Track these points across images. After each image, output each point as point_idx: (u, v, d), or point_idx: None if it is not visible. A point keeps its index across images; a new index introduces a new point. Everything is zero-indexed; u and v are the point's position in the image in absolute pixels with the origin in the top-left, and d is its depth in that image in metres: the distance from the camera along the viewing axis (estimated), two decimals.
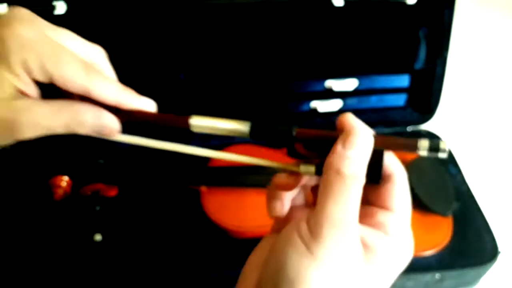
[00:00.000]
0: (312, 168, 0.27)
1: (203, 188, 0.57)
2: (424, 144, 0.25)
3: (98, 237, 0.54)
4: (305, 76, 0.65)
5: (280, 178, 0.29)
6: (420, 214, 0.55)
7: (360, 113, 0.67)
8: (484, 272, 0.53)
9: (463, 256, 0.53)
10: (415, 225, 0.56)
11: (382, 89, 0.67)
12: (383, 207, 0.27)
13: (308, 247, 0.24)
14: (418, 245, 0.53)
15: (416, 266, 0.51)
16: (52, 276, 0.51)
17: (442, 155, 0.26)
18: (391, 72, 0.66)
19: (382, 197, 0.27)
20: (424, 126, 0.69)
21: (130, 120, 0.29)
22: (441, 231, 0.54)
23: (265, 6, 0.57)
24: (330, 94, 0.66)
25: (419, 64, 0.64)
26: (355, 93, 0.66)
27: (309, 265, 0.23)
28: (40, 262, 0.52)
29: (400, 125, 0.69)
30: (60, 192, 0.57)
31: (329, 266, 0.23)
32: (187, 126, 0.28)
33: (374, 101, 0.67)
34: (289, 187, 0.29)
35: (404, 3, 0.58)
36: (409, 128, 0.69)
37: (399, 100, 0.68)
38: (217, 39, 0.61)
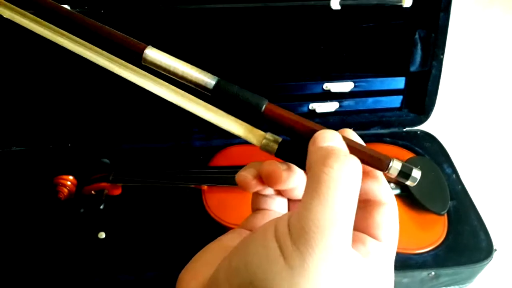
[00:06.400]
0: (275, 146, 0.25)
1: (205, 187, 0.58)
2: (396, 165, 0.24)
3: (102, 235, 0.55)
4: (303, 78, 0.65)
5: (269, 166, 0.25)
6: (416, 212, 0.56)
7: (357, 114, 0.68)
8: (479, 270, 0.53)
9: (458, 254, 0.53)
10: (410, 224, 0.57)
11: (378, 91, 0.67)
12: (370, 234, 0.24)
13: (287, 259, 0.19)
14: (413, 243, 0.54)
15: (412, 264, 0.52)
16: (56, 273, 0.52)
17: (410, 183, 0.25)
18: (387, 74, 0.66)
19: (371, 224, 0.24)
20: (420, 127, 0.70)
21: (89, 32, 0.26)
22: (437, 229, 0.55)
23: (264, 10, 0.58)
24: (327, 95, 0.66)
25: (415, 67, 0.65)
26: (352, 94, 0.66)
27: (287, 283, 0.18)
28: (45, 260, 0.53)
29: (396, 126, 0.69)
30: (64, 191, 0.57)
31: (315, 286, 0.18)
32: (140, 54, 0.25)
33: (370, 103, 0.68)
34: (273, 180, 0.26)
35: (400, 6, 0.58)
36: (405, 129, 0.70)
37: (395, 101, 0.68)
38: (217, 42, 0.61)
